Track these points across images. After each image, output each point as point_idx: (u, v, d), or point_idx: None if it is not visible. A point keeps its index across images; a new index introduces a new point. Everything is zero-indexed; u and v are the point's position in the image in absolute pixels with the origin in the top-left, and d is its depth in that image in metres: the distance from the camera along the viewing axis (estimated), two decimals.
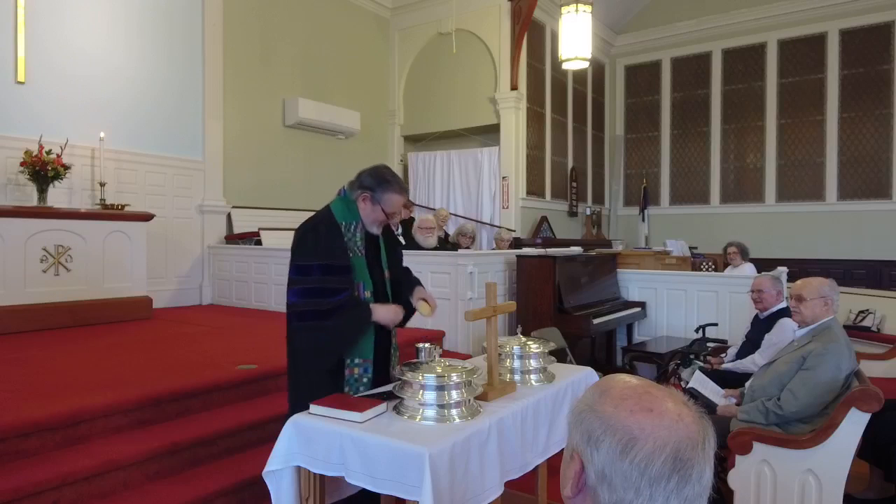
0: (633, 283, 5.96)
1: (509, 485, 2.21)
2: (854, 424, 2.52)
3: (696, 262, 7.59)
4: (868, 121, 9.40)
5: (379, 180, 2.42)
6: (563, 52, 7.11)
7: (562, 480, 0.89)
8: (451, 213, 8.40)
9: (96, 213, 5.57)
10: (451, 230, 7.75)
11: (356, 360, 2.39)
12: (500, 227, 8.24)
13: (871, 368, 4.04)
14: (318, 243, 2.35)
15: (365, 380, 2.41)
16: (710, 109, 10.68)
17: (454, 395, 2.04)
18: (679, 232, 9.64)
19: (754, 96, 10.26)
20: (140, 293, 5.80)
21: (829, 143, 9.65)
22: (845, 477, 2.53)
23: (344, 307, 2.30)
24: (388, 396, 2.17)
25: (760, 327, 3.96)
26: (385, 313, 2.38)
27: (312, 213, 2.54)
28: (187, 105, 6.97)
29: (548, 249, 6.27)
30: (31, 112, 5.62)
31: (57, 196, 5.56)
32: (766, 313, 3.97)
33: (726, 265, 6.65)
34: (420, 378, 2.04)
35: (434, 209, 8.38)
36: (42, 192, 5.34)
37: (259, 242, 7.01)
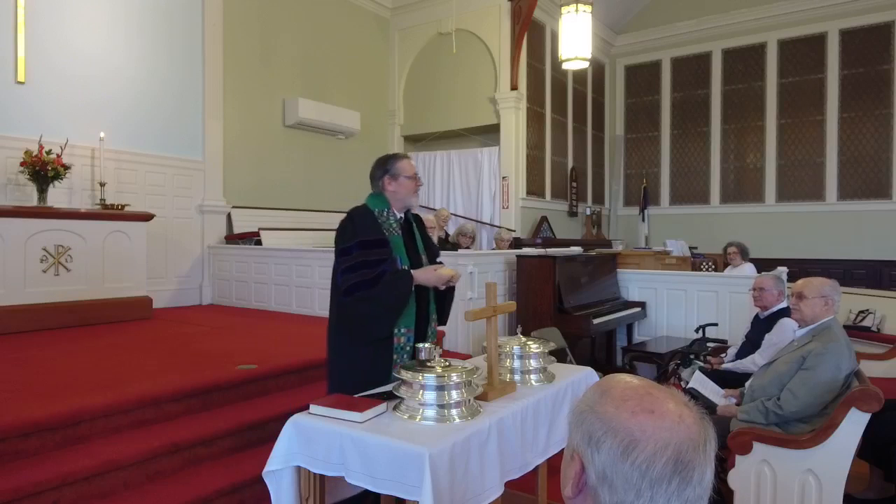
0: (633, 283, 5.96)
1: (509, 485, 2.21)
2: (854, 424, 2.52)
3: (696, 262, 7.59)
4: (868, 121, 9.40)
5: (383, 161, 2.75)
6: (563, 52, 7.10)
7: (562, 480, 0.89)
8: (451, 213, 8.40)
9: (96, 213, 5.56)
10: (452, 230, 7.76)
11: (402, 330, 2.58)
12: (500, 227, 8.23)
13: (871, 368, 4.04)
14: (355, 227, 2.59)
15: (408, 348, 2.61)
16: (710, 109, 10.67)
17: (454, 395, 2.04)
18: (679, 232, 9.63)
19: (754, 96, 10.25)
20: (140, 293, 5.80)
21: (829, 143, 9.65)
22: (845, 477, 2.53)
23: (387, 273, 2.50)
24: (388, 396, 2.17)
25: (760, 327, 3.96)
26: (425, 274, 2.56)
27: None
28: (187, 105, 6.96)
29: (548, 249, 6.27)
30: (31, 112, 5.62)
31: (57, 196, 5.55)
32: (766, 313, 3.98)
33: (726, 265, 6.65)
34: (420, 378, 2.04)
35: (434, 209, 8.37)
36: (42, 192, 5.33)
37: (259, 242, 7.01)
